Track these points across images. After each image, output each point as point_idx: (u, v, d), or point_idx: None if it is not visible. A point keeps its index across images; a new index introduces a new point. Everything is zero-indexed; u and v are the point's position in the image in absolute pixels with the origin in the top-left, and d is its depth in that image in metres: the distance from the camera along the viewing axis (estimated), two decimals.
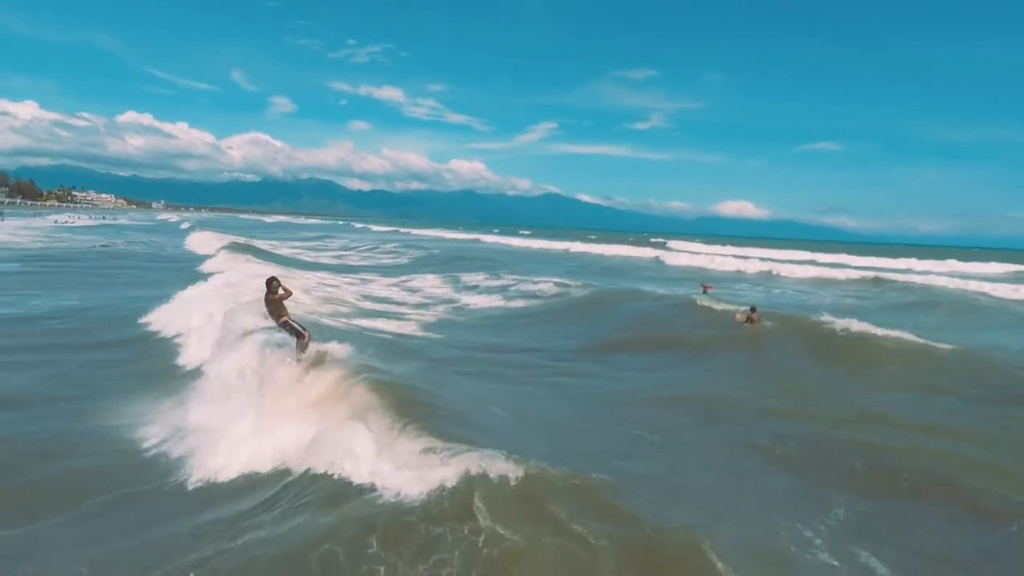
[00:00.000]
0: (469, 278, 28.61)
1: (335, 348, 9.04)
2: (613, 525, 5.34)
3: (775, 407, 9.97)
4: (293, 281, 22.90)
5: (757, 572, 5.10)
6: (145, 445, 8.20)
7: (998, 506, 6.75)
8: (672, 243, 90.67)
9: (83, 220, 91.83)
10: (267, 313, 8.88)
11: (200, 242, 45.74)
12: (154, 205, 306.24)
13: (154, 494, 6.90)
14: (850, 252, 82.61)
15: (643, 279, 36.05)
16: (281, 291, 8.78)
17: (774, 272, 44.55)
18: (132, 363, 12.35)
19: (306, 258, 42.25)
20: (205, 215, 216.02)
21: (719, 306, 19.32)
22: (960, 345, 13.86)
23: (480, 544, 4.96)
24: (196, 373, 11.08)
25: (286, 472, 6.90)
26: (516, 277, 27.96)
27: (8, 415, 9.07)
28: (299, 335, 8.72)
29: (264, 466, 7.17)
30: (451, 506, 5.27)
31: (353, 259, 44.64)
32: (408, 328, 16.32)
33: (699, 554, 5.06)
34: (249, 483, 6.98)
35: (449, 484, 5.46)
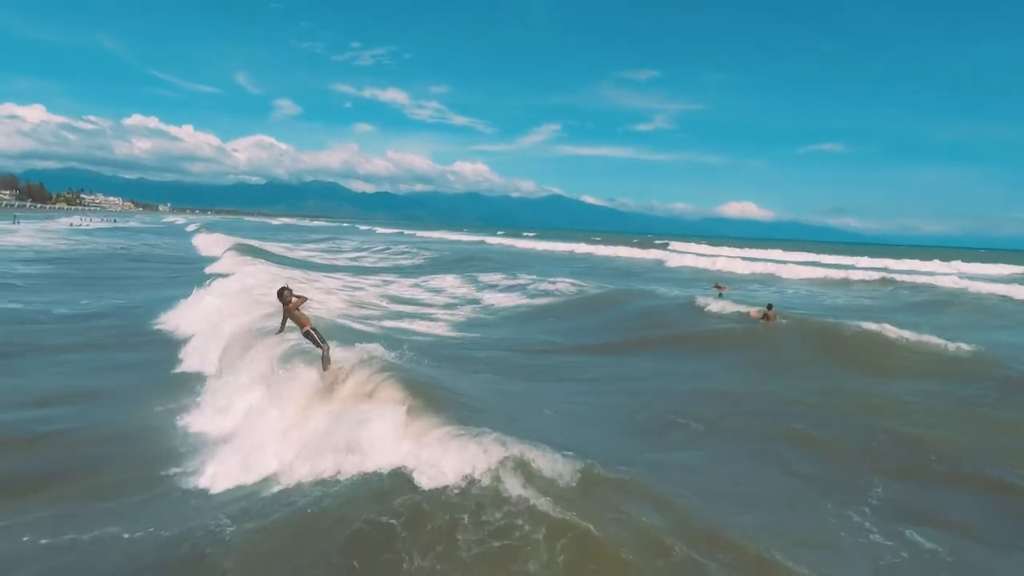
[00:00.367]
0: (487, 278, 29.31)
1: (374, 348, 8.92)
2: (667, 514, 5.71)
3: (801, 398, 10.49)
4: (317, 284, 23.67)
5: (816, 556, 5.52)
6: (191, 431, 8.79)
7: None
8: (678, 245, 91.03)
9: (95, 223, 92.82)
10: (290, 323, 8.67)
11: (214, 245, 46.36)
12: (160, 208, 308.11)
13: (186, 484, 7.26)
14: (855, 253, 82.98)
15: (654, 280, 36.63)
16: (294, 299, 8.54)
17: (782, 273, 44.99)
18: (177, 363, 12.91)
19: (321, 260, 42.83)
20: (212, 217, 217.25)
21: (733, 306, 19.94)
22: (976, 343, 14.34)
23: (541, 535, 5.08)
24: (230, 368, 11.48)
25: (314, 463, 6.84)
26: (532, 277, 28.61)
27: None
28: (320, 343, 8.46)
29: (291, 457, 7.15)
30: (508, 501, 5.39)
31: (369, 261, 45.21)
32: (440, 328, 16.89)
33: (756, 541, 5.38)
34: (275, 473, 7.06)
35: (505, 477, 5.60)
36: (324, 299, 19.28)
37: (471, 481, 5.71)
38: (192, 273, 27.31)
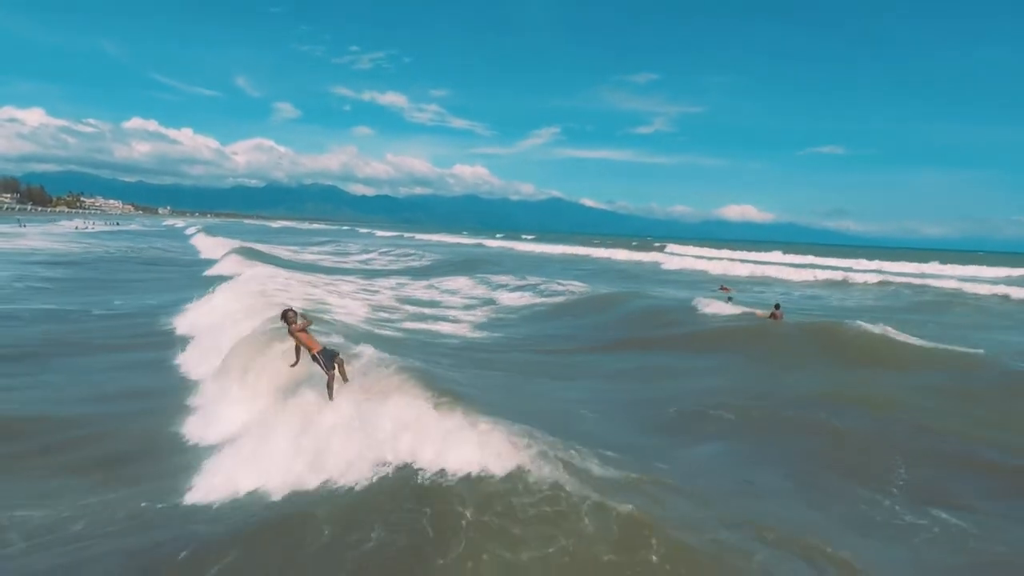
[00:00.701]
0: (497, 279, 29.94)
1: (414, 365, 8.56)
2: (706, 501, 6.13)
3: (819, 390, 11.04)
4: (333, 288, 24.12)
5: (854, 539, 5.98)
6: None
7: None
8: (679, 248, 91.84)
9: (99, 226, 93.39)
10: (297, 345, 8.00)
11: (220, 249, 46.53)
12: (160, 211, 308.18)
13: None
14: (855, 256, 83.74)
15: (658, 282, 37.30)
16: (300, 321, 7.92)
17: (783, 276, 45.63)
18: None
19: (330, 264, 43.24)
20: (211, 220, 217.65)
21: (741, 307, 20.60)
22: (977, 341, 15.02)
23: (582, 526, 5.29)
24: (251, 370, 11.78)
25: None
26: (540, 278, 29.25)
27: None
28: (328, 368, 7.72)
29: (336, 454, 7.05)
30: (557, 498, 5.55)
31: (379, 263, 45.65)
32: (463, 329, 17.44)
33: (794, 526, 5.76)
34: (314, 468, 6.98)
35: (546, 468, 5.83)
36: (345, 303, 19.81)
37: (510, 473, 5.86)
38: (206, 277, 27.84)
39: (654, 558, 5.19)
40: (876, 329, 15.85)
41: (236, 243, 47.94)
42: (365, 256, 53.21)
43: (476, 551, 5.25)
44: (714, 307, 19.93)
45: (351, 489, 6.47)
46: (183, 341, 14.53)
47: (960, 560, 5.93)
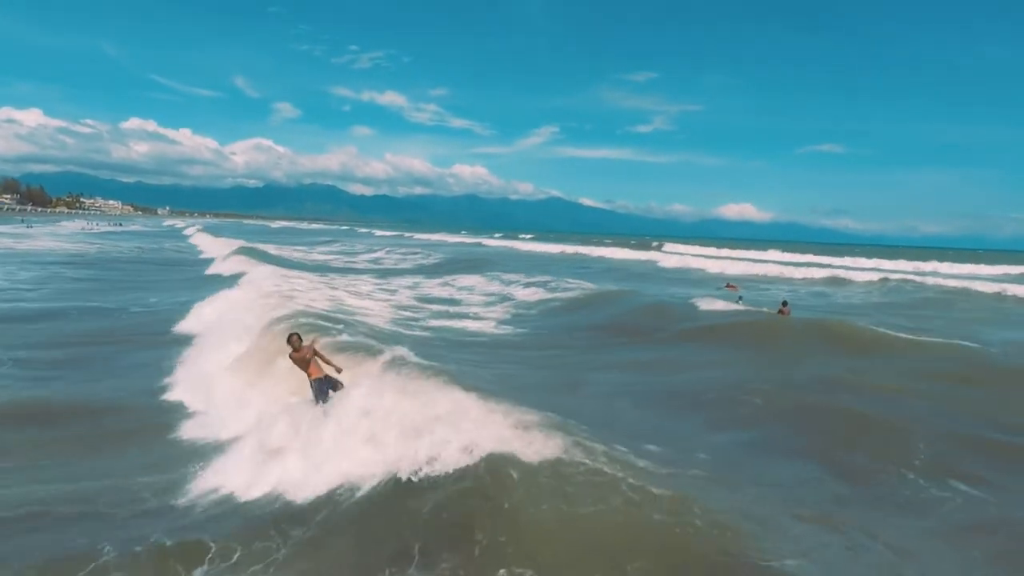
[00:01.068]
0: (508, 276, 30.44)
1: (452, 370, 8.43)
2: (744, 482, 6.78)
3: (835, 379, 11.75)
4: (349, 288, 24.58)
5: (885, 513, 6.63)
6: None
7: None
8: (680, 247, 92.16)
9: (103, 227, 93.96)
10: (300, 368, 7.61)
11: (224, 249, 46.21)
12: (159, 211, 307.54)
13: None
14: (854, 254, 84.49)
15: (662, 281, 37.94)
16: (305, 345, 7.52)
17: (782, 274, 46.30)
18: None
19: (340, 264, 43.51)
20: (211, 221, 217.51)
21: (748, 304, 21.32)
22: (975, 335, 15.71)
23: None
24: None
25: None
26: (549, 276, 29.80)
27: None
28: (318, 399, 7.35)
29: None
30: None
31: (388, 263, 45.93)
32: (489, 326, 18.03)
33: (828, 504, 6.41)
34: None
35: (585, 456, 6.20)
36: (366, 305, 20.14)
37: (549, 460, 6.14)
38: (221, 277, 28.32)
39: (698, 523, 5.79)
40: (876, 327, 16.63)
41: (241, 243, 48.02)
42: (372, 255, 53.47)
43: (535, 502, 5.73)
44: (720, 304, 20.64)
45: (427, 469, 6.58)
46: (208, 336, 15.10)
47: (984, 524, 6.60)
